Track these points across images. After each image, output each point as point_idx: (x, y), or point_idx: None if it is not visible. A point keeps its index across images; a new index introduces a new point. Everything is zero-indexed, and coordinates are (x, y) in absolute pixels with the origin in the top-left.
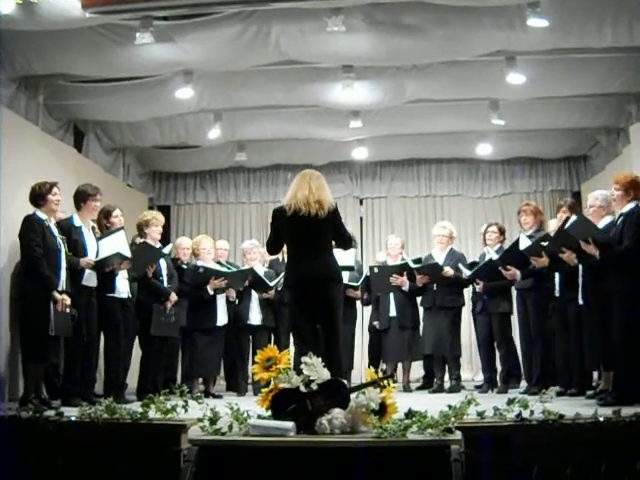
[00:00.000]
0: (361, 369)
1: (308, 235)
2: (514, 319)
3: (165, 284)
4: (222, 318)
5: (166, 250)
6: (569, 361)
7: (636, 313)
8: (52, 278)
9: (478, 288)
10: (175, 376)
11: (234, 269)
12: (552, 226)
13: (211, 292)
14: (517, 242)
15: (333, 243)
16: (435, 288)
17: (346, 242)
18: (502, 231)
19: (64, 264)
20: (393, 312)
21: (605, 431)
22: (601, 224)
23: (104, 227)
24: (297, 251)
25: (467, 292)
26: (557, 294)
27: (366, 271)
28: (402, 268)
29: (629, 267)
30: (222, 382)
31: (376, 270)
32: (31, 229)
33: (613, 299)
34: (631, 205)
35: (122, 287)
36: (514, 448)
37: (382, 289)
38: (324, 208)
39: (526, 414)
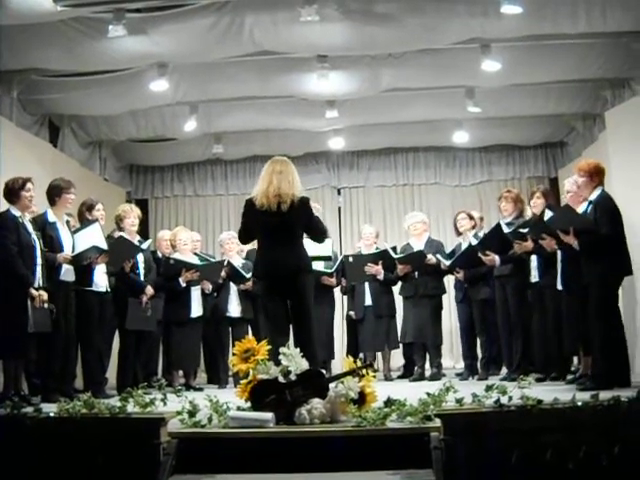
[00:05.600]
0: (341, 359)
1: (275, 227)
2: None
3: (142, 278)
4: (196, 310)
5: (144, 246)
6: (547, 347)
7: (612, 299)
8: (28, 275)
9: (459, 276)
10: (156, 370)
11: (210, 260)
12: (528, 213)
13: (183, 284)
14: (497, 227)
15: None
16: (417, 276)
17: (317, 234)
18: (471, 217)
19: (39, 260)
20: (368, 301)
21: (583, 416)
22: (579, 210)
23: (85, 220)
24: (266, 242)
25: (448, 280)
26: (533, 280)
27: (341, 258)
28: (377, 257)
29: (606, 253)
30: (203, 375)
31: (351, 259)
32: (4, 227)
33: (590, 285)
34: (598, 191)
35: (100, 281)
36: (493, 434)
37: (357, 278)
38: (286, 201)
39: (504, 400)
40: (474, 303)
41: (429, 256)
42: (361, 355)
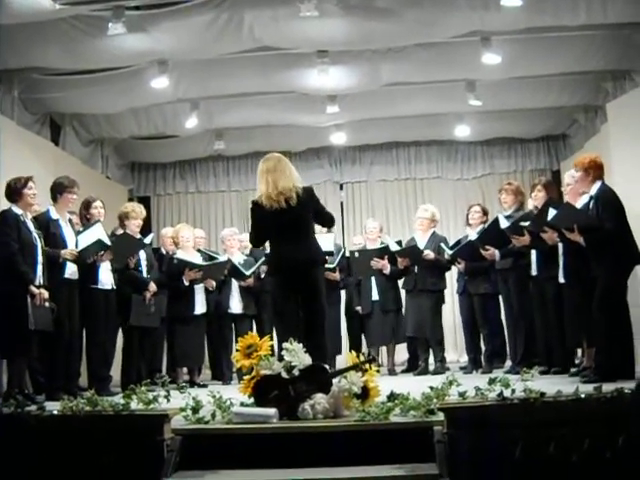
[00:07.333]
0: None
1: (286, 224)
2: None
3: (144, 274)
4: (200, 307)
5: (147, 240)
6: (549, 339)
7: (619, 290)
8: (28, 273)
9: (460, 268)
10: (160, 367)
11: (214, 257)
12: (529, 206)
13: (186, 283)
14: (495, 222)
15: (316, 228)
16: (416, 271)
17: (327, 220)
18: (485, 212)
19: (40, 259)
20: (375, 296)
21: (586, 408)
22: (579, 203)
23: (84, 218)
24: (278, 239)
25: (450, 274)
26: (533, 273)
27: (342, 252)
28: (383, 252)
29: (611, 248)
30: (207, 371)
31: (357, 254)
32: (6, 225)
33: (599, 277)
34: (597, 185)
35: (105, 279)
36: (496, 427)
37: (363, 273)
38: (291, 196)
39: (507, 393)
40: (474, 297)
41: (426, 251)
42: (365, 349)
